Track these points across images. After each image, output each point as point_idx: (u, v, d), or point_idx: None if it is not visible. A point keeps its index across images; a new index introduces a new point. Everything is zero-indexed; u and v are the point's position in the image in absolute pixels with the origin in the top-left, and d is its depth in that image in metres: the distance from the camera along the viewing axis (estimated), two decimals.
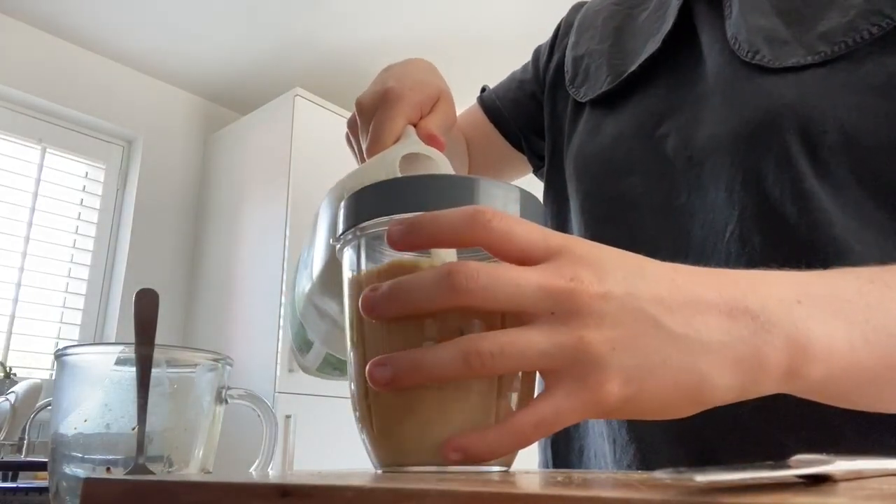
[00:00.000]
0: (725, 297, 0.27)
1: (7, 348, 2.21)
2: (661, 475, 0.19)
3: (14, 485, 1.06)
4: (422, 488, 0.19)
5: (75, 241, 2.48)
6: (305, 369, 0.53)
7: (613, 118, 0.59)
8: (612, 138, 0.58)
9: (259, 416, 0.54)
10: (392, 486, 0.20)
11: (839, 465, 0.21)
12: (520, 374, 0.35)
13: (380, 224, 0.36)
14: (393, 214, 0.35)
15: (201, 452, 0.50)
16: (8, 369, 2.03)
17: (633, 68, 0.58)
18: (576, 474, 0.31)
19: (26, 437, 1.46)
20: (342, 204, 0.38)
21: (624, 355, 0.25)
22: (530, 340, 0.25)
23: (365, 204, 0.37)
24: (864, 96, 0.43)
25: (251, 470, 0.55)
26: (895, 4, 0.43)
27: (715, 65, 0.52)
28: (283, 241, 2.27)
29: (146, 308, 0.49)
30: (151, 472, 0.45)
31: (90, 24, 2.41)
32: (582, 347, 0.25)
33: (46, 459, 0.51)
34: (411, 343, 0.34)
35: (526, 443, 0.26)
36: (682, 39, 0.56)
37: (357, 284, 0.36)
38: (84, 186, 2.55)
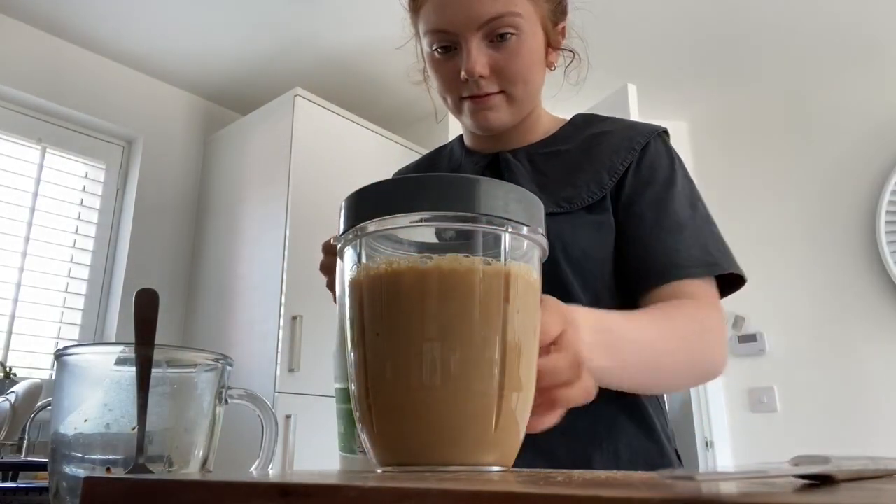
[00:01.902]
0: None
1: (7, 348, 2.21)
2: (661, 475, 0.19)
3: (14, 485, 1.06)
4: (422, 488, 0.19)
5: (75, 241, 2.48)
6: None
7: None
8: None
9: (259, 416, 0.54)
10: (392, 486, 0.20)
11: (839, 465, 0.21)
12: (520, 373, 0.35)
13: (380, 223, 0.36)
14: (393, 214, 0.35)
15: (201, 452, 0.50)
16: (8, 369, 2.03)
17: None
18: (576, 474, 0.30)
19: (26, 437, 1.46)
20: (343, 203, 0.38)
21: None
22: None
23: (365, 203, 0.37)
24: (590, 232, 0.78)
25: (251, 470, 0.55)
26: (599, 187, 0.79)
27: None
28: (283, 241, 2.27)
29: (146, 308, 0.49)
30: (151, 472, 0.45)
31: (90, 24, 2.41)
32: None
33: (46, 459, 0.51)
34: (411, 343, 0.34)
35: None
36: None
37: (358, 284, 0.36)
38: (84, 186, 2.55)
